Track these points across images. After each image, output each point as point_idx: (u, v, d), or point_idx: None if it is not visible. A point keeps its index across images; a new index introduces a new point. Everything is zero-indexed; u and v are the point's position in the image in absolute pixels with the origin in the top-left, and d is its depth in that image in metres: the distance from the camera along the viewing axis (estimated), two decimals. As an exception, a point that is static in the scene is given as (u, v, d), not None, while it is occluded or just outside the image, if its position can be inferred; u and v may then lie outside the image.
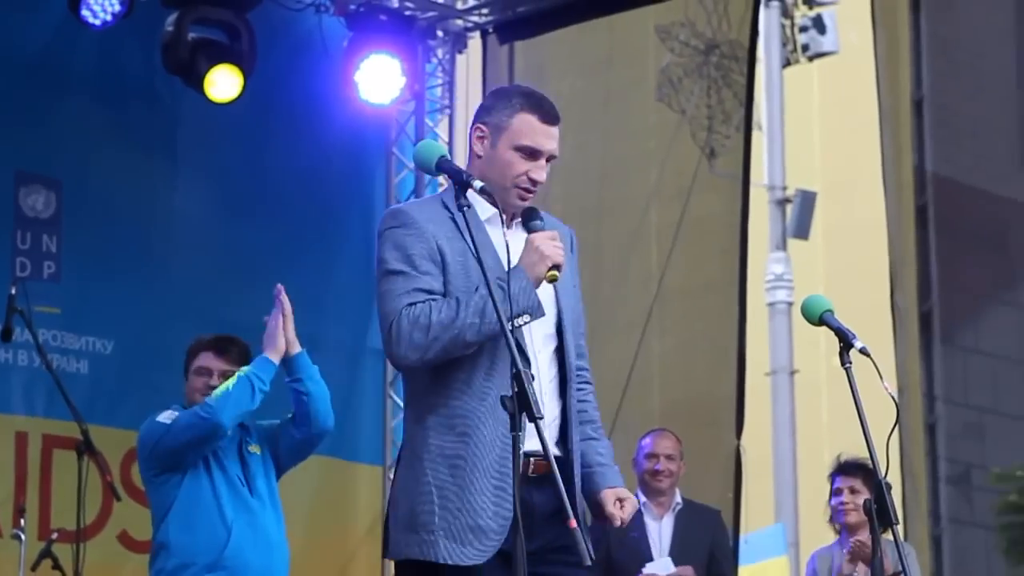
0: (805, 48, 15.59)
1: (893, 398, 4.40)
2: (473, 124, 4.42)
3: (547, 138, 4.34)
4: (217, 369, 6.55)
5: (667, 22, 10.54)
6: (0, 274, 8.58)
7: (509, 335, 3.97)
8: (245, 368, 6.48)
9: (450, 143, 10.74)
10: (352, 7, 10.10)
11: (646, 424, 8.61)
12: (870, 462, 4.35)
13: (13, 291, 6.97)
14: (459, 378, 4.17)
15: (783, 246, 16.06)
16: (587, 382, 4.50)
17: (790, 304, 15.71)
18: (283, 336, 6.51)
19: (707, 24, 10.44)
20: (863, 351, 4.32)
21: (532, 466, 4.16)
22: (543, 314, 4.15)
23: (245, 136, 9.83)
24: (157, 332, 9.05)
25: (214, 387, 6.47)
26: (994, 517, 14.94)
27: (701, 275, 10.25)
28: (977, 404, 14.25)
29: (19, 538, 7.21)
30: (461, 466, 4.14)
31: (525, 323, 4.12)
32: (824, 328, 4.56)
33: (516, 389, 3.84)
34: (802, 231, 15.91)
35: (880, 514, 4.25)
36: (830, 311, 4.58)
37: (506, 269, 4.09)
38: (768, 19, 14.97)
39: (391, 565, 10.77)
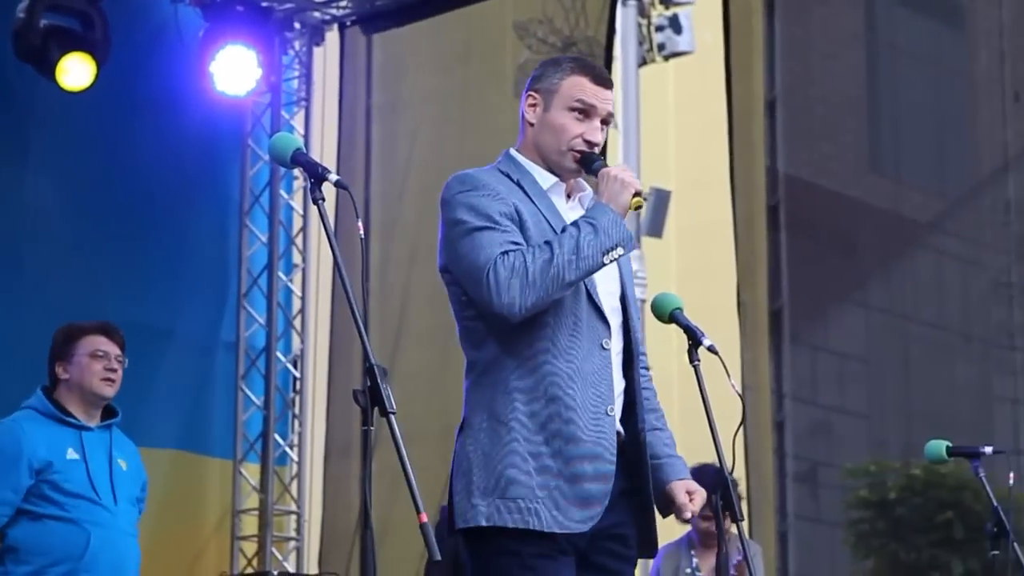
0: (661, 47, 15.68)
1: (740, 396, 4.46)
2: (525, 93, 4.33)
3: (600, 98, 4.22)
4: (113, 353, 6.42)
5: (525, 18, 10.56)
6: None
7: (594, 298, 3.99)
8: None
9: (306, 136, 10.69)
10: (208, -3, 10.01)
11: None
12: (711, 464, 4.45)
13: None
14: (545, 339, 4.05)
15: (637, 244, 16.17)
16: (647, 368, 4.39)
17: (643, 301, 15.82)
18: None
19: (565, 21, 10.48)
20: (711, 349, 4.37)
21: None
22: (636, 245, 4.16)
23: (99, 126, 9.69)
24: (9, 325, 8.90)
25: (113, 370, 6.34)
26: (843, 512, 15.16)
27: (556, 271, 10.27)
28: (824, 402, 14.45)
29: None
30: (555, 431, 4.00)
31: (620, 255, 4.04)
32: (675, 326, 4.60)
33: (369, 383, 3.79)
34: (656, 229, 16.02)
35: (726, 508, 4.31)
36: (679, 309, 4.61)
37: None
38: (625, 18, 15.03)
39: (240, 559, 10.62)
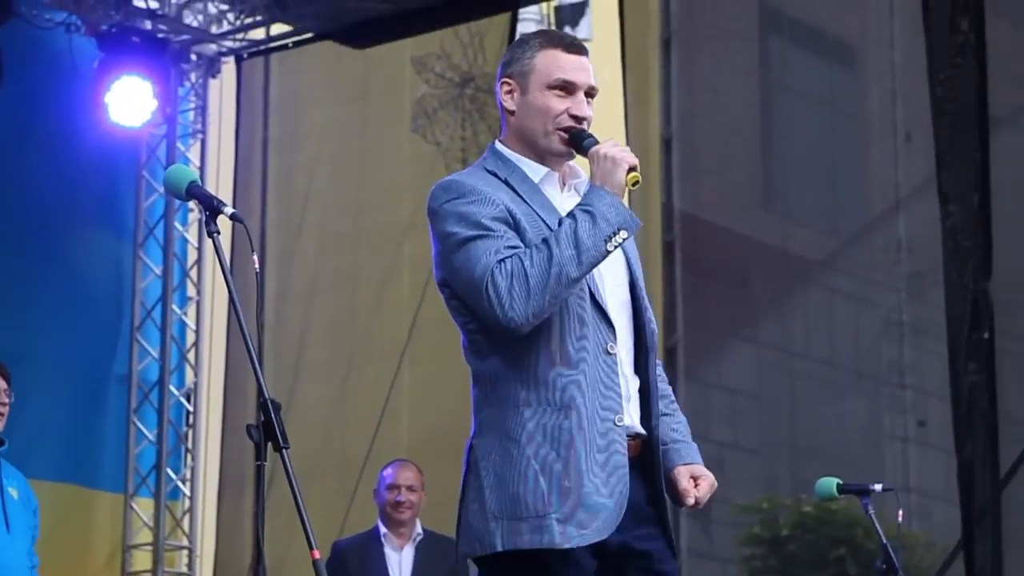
0: (558, 84, 15.79)
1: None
2: (498, 82, 4.00)
3: (579, 70, 3.92)
4: (5, 391, 6.36)
5: (423, 53, 10.58)
6: None
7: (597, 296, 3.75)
8: None
9: (202, 168, 10.64)
10: (104, 28, 9.95)
11: (397, 455, 8.61)
12: None
13: None
14: (549, 348, 3.78)
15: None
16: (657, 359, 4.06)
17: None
18: None
19: (463, 56, 10.51)
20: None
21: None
22: (640, 224, 3.79)
23: (-8, 156, 9.61)
24: None
25: (3, 403, 6.28)
26: (735, 549, 15.24)
27: (453, 307, 10.27)
28: (717, 438, 14.55)
29: None
30: (566, 443, 3.74)
31: (624, 240, 3.73)
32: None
33: (262, 417, 3.73)
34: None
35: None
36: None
37: None
38: (523, 54, 15.13)
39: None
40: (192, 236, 10.74)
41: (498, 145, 4.00)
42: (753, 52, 16.55)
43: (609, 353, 3.81)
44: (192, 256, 10.73)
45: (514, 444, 3.79)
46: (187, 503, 10.44)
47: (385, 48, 10.54)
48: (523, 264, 3.68)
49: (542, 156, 3.93)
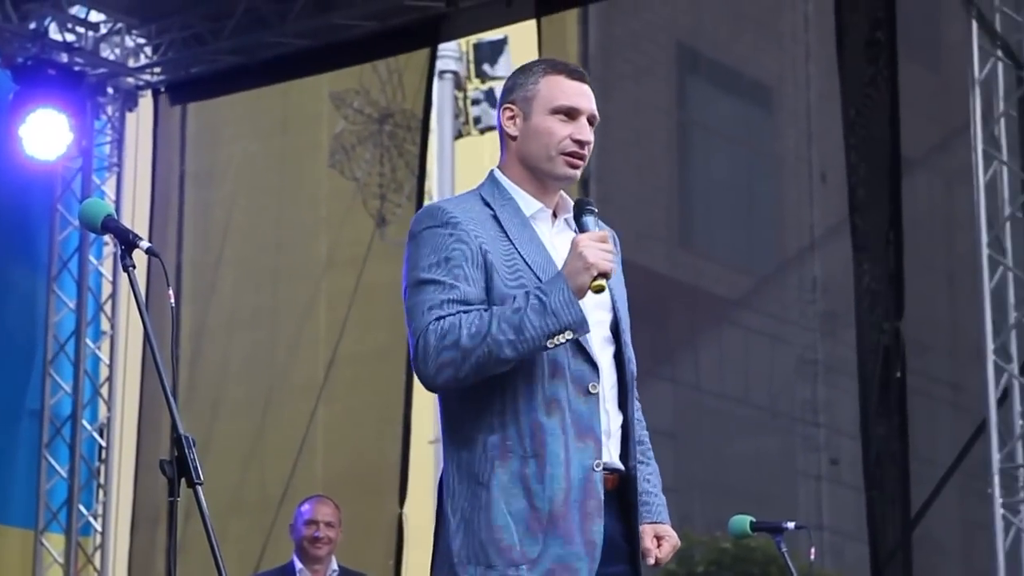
0: (477, 120, 15.84)
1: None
2: (499, 108, 3.96)
3: (581, 96, 3.89)
4: None
5: (341, 89, 10.59)
6: None
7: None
8: None
9: (118, 202, 10.58)
10: (19, 60, 9.89)
11: (313, 491, 8.58)
12: None
13: None
14: (520, 390, 3.70)
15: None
16: (635, 398, 3.99)
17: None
18: None
19: (381, 93, 10.53)
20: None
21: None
22: (587, 330, 3.67)
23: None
24: None
25: None
26: (648, 586, 15.29)
27: (371, 342, 10.28)
28: (634, 475, 14.57)
29: None
30: (538, 491, 3.66)
31: (567, 339, 3.64)
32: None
33: (176, 453, 3.69)
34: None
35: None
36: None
37: (558, 268, 3.69)
38: (441, 91, 15.16)
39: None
40: (107, 270, 10.68)
41: (496, 172, 3.97)
42: (670, 91, 16.68)
43: (590, 393, 3.76)
44: (107, 290, 10.67)
45: (483, 489, 3.71)
46: (99, 539, 10.35)
47: (303, 83, 10.54)
48: (459, 330, 3.64)
49: (542, 182, 3.91)
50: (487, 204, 3.87)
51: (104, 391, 10.55)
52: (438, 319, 3.68)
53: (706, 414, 15.75)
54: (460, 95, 15.82)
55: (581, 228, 3.78)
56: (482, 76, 15.67)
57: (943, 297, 13.61)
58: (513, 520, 3.67)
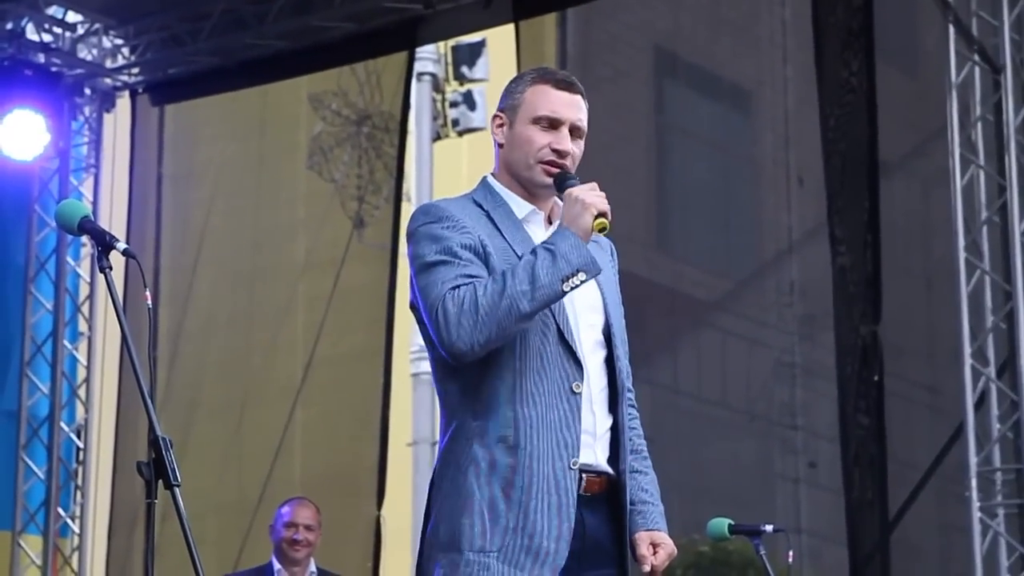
0: (455, 123, 15.82)
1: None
2: (493, 117, 4.05)
3: (565, 105, 3.93)
4: None
5: (319, 91, 10.58)
6: None
7: (568, 336, 3.72)
8: None
9: (95, 203, 10.56)
10: (-3, 60, 9.87)
11: (290, 493, 8.58)
12: None
13: None
14: (505, 382, 3.75)
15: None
16: (633, 406, 4.07)
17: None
18: None
19: (360, 95, 10.52)
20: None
21: (584, 483, 3.78)
22: (599, 270, 3.75)
23: None
24: None
25: None
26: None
27: (349, 345, 10.27)
28: (611, 478, 14.58)
29: None
30: (514, 481, 3.71)
31: (582, 282, 3.70)
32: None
33: (154, 455, 3.69)
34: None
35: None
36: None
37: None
38: (419, 93, 15.15)
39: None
40: (84, 271, 10.65)
41: (489, 178, 4.03)
42: (648, 95, 16.69)
43: (574, 393, 3.80)
44: (84, 291, 10.64)
45: (462, 476, 3.75)
46: (76, 540, 10.32)
47: (282, 85, 10.53)
48: (476, 293, 3.68)
49: (528, 190, 3.95)
50: (479, 206, 3.92)
51: (82, 392, 10.52)
52: (454, 288, 3.72)
53: (684, 417, 15.76)
54: (438, 97, 15.80)
55: (565, 189, 3.84)
56: (460, 78, 15.66)
57: (921, 300, 13.64)
58: (487, 508, 3.72)
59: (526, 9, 9.93)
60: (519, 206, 3.94)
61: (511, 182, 3.96)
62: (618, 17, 16.32)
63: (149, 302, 4.10)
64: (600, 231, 3.77)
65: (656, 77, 17.20)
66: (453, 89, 15.74)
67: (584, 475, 3.78)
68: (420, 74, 14.98)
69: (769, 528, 5.92)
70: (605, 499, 3.84)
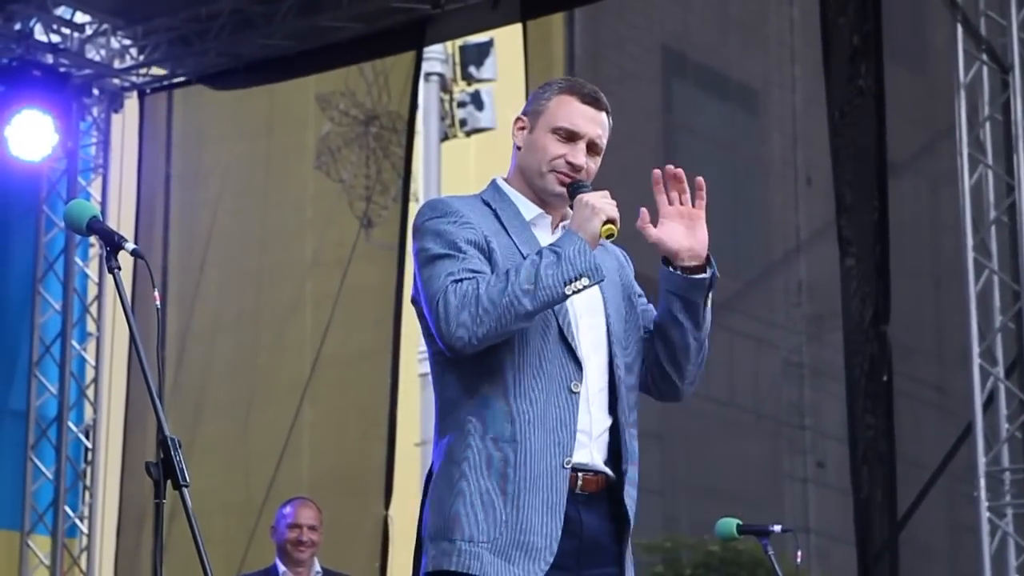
0: (463, 123, 15.83)
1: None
2: (515, 119, 4.06)
3: (587, 120, 3.95)
4: None
5: (327, 91, 10.58)
6: None
7: (569, 333, 3.73)
8: None
9: (103, 203, 10.56)
10: (4, 61, 9.87)
11: (297, 492, 8.58)
12: None
13: None
14: (504, 379, 3.77)
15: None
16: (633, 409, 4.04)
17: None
18: None
19: (367, 95, 10.52)
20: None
21: (580, 482, 3.80)
22: (603, 277, 3.76)
23: None
24: None
25: None
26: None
27: (356, 344, 10.27)
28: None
29: None
30: (508, 475, 3.73)
31: (584, 287, 3.71)
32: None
33: (162, 455, 3.69)
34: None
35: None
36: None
37: None
38: (427, 93, 15.15)
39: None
40: (93, 272, 10.66)
41: (499, 180, 4.04)
42: (656, 95, 16.69)
43: (572, 392, 3.81)
44: (92, 292, 10.65)
45: (456, 468, 3.77)
46: (85, 541, 10.33)
47: (289, 85, 10.53)
48: (478, 288, 3.69)
49: (539, 196, 3.96)
50: (487, 204, 3.94)
51: (90, 392, 10.53)
52: (456, 282, 3.73)
53: (692, 417, 15.75)
54: (446, 97, 15.81)
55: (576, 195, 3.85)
56: (468, 78, 15.66)
57: (929, 300, 13.64)
58: (480, 500, 3.74)
59: (534, 9, 9.93)
60: (527, 208, 3.95)
61: (523, 186, 3.98)
62: (626, 17, 16.33)
63: (158, 302, 4.10)
64: (608, 237, 3.78)
65: (664, 77, 17.20)
66: (461, 89, 15.74)
67: (580, 474, 3.79)
68: (428, 74, 14.99)
69: (777, 528, 5.91)
70: (604, 498, 3.85)
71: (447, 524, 3.76)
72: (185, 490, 3.67)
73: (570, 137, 3.93)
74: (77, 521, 10.32)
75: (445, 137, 16.12)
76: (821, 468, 16.08)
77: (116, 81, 10.73)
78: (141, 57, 10.61)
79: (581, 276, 3.70)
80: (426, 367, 16.44)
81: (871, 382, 8.69)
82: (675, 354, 4.01)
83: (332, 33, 10.11)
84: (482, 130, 15.90)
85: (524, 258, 3.78)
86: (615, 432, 3.89)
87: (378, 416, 9.96)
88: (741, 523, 5.91)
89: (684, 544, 15.37)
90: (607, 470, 3.86)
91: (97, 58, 10.54)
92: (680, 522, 15.67)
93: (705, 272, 4.00)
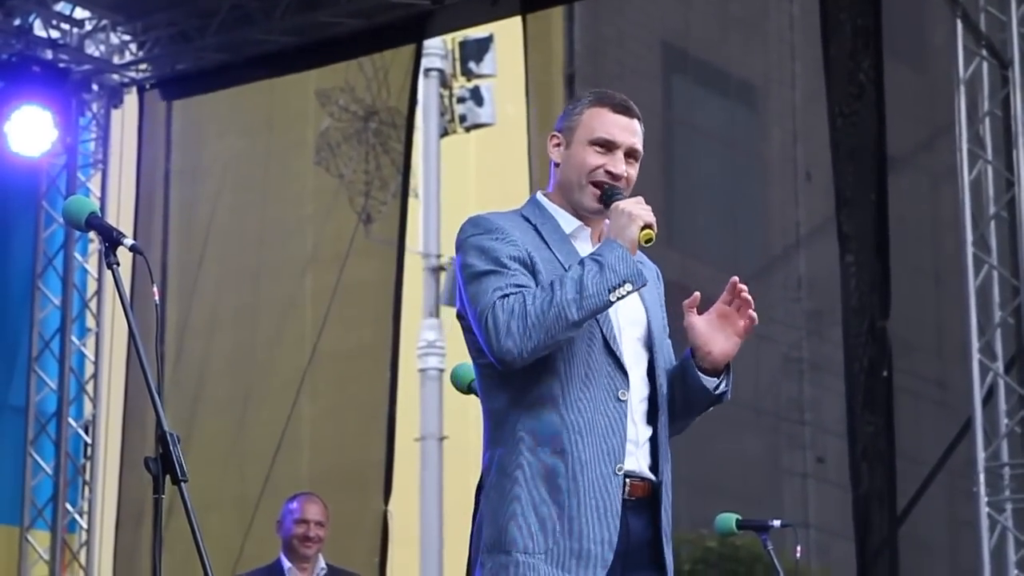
0: (463, 118, 15.82)
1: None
2: (550, 136, 4.13)
3: (621, 129, 4.02)
4: None
5: (327, 86, 10.58)
6: None
7: (615, 340, 3.79)
8: None
9: (102, 199, 10.56)
10: (3, 56, 9.87)
11: (295, 488, 8.57)
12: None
13: None
14: (553, 389, 3.83)
15: (436, 313, 16.21)
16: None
17: (441, 371, 15.85)
18: None
19: (367, 90, 10.52)
20: None
21: (628, 488, 3.86)
22: (645, 282, 3.86)
23: None
24: None
25: None
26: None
27: (355, 340, 10.27)
28: (619, 473, 14.57)
29: None
30: (561, 486, 3.79)
31: (628, 293, 3.80)
32: (474, 396, 4.60)
33: (161, 450, 3.70)
34: (455, 299, 16.11)
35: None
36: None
37: None
38: (427, 88, 15.15)
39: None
40: (92, 267, 10.66)
41: (539, 195, 4.09)
42: (656, 91, 16.68)
43: (620, 400, 3.87)
44: (92, 287, 10.64)
45: (509, 481, 3.82)
46: (84, 536, 10.33)
47: (289, 80, 10.52)
48: (525, 301, 3.77)
49: (577, 210, 4.01)
50: (527, 220, 4.00)
51: (89, 388, 10.53)
52: (503, 297, 3.80)
53: (691, 412, 15.76)
54: (445, 93, 15.80)
55: (612, 203, 3.91)
56: (467, 74, 15.65)
57: (929, 296, 13.63)
58: (533, 512, 3.79)
59: (533, 3, 9.93)
60: (567, 222, 4.00)
61: (562, 201, 4.03)
62: (626, 13, 16.33)
63: (156, 298, 4.11)
64: (646, 243, 3.84)
65: (664, 73, 17.20)
66: (460, 85, 15.74)
67: (628, 480, 3.86)
68: (427, 70, 14.99)
69: (777, 523, 5.92)
70: (648, 504, 3.91)
71: (502, 537, 3.80)
72: (184, 485, 3.68)
73: (607, 147, 4.00)
74: (76, 516, 10.32)
75: (444, 133, 16.12)
76: (821, 463, 16.07)
77: (116, 77, 10.73)
78: (141, 53, 10.60)
79: (625, 282, 3.78)
80: (425, 363, 16.51)
81: (871, 377, 8.69)
82: (674, 407, 4.05)
83: (331, 28, 10.11)
84: (481, 126, 15.90)
85: (566, 271, 3.83)
86: (654, 442, 3.95)
87: (377, 412, 9.96)
88: (740, 518, 5.91)
89: (682, 540, 15.36)
90: (652, 476, 3.93)
91: (97, 54, 10.53)
92: (679, 517, 15.62)
93: (716, 378, 4.04)
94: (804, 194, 16.24)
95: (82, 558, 10.29)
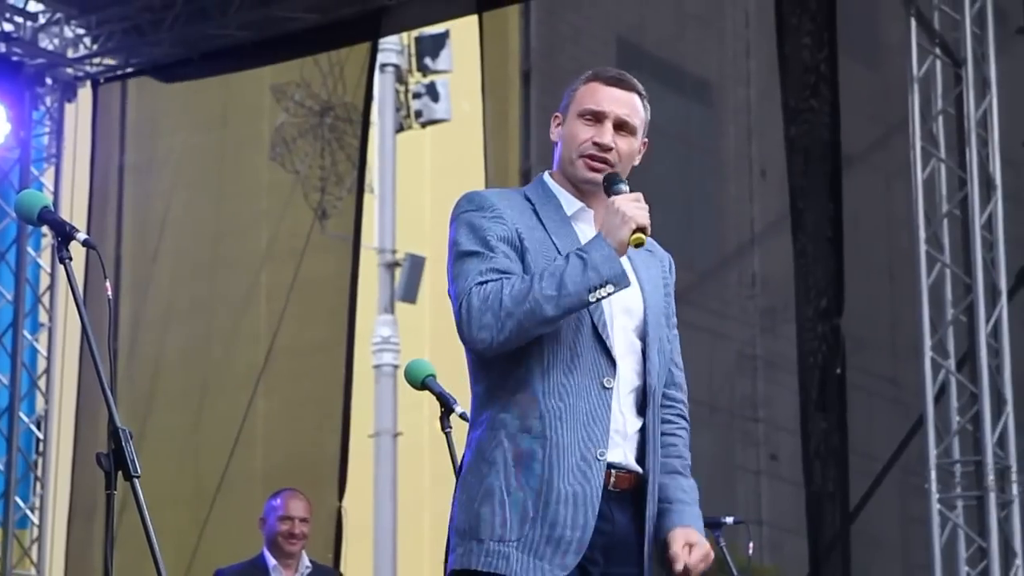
0: (418, 114, 15.81)
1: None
2: (552, 118, 4.08)
3: (610, 100, 3.96)
4: None
5: (283, 81, 10.56)
6: None
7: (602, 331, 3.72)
8: None
9: (56, 193, 10.51)
10: (-43, 49, 9.82)
11: (249, 484, 8.56)
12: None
13: None
14: (535, 374, 3.76)
15: (391, 309, 16.20)
16: (683, 417, 4.13)
17: (396, 367, 15.85)
18: None
19: (323, 86, 10.50)
20: (463, 416, 4.31)
21: (614, 479, 3.78)
22: (628, 283, 3.74)
23: None
24: None
25: None
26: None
27: (310, 336, 10.26)
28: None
29: None
30: (537, 471, 3.72)
31: (609, 294, 3.70)
32: (428, 392, 4.60)
33: (113, 446, 3.68)
34: (410, 295, 16.08)
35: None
36: (432, 376, 4.61)
37: None
38: (383, 84, 15.13)
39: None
40: (45, 262, 10.60)
41: (544, 175, 4.06)
42: (614, 88, 16.66)
43: (605, 388, 3.80)
44: (45, 282, 10.59)
45: (486, 465, 3.76)
46: (36, 532, 10.28)
47: (244, 75, 10.50)
48: (502, 291, 3.71)
49: (577, 187, 3.96)
50: (528, 200, 3.94)
51: (42, 383, 10.47)
52: (480, 284, 3.73)
53: (646, 409, 15.79)
54: (401, 88, 15.79)
55: (611, 195, 3.83)
56: (424, 70, 15.64)
57: (883, 293, 13.69)
58: (507, 498, 3.73)
59: (489, 1, 9.93)
60: (569, 203, 3.95)
61: (563, 180, 3.98)
62: (582, 10, 16.34)
63: (109, 293, 4.09)
64: (637, 246, 3.77)
65: (619, 69, 17.22)
66: (416, 80, 15.72)
67: (613, 471, 3.79)
68: (383, 65, 14.97)
69: (730, 520, 5.95)
70: (632, 497, 3.86)
71: (475, 523, 3.74)
72: (136, 481, 3.67)
73: (596, 118, 3.94)
74: (28, 512, 10.27)
75: (400, 128, 16.10)
76: (774, 460, 16.12)
77: (69, 70, 10.67)
78: (95, 46, 10.55)
79: (607, 283, 3.70)
80: (380, 359, 16.49)
81: (824, 374, 8.73)
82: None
83: (287, 24, 10.08)
84: (437, 121, 15.89)
85: (559, 253, 3.78)
86: (643, 434, 3.89)
87: (332, 408, 9.94)
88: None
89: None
90: (639, 469, 3.87)
91: (50, 47, 10.48)
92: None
93: None
94: (759, 191, 16.29)
95: (33, 554, 10.24)
